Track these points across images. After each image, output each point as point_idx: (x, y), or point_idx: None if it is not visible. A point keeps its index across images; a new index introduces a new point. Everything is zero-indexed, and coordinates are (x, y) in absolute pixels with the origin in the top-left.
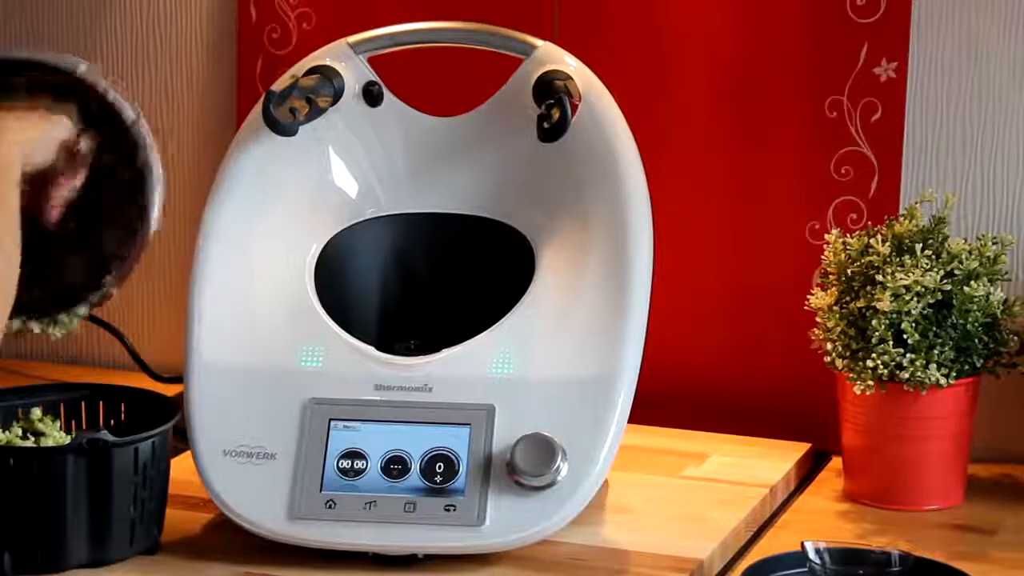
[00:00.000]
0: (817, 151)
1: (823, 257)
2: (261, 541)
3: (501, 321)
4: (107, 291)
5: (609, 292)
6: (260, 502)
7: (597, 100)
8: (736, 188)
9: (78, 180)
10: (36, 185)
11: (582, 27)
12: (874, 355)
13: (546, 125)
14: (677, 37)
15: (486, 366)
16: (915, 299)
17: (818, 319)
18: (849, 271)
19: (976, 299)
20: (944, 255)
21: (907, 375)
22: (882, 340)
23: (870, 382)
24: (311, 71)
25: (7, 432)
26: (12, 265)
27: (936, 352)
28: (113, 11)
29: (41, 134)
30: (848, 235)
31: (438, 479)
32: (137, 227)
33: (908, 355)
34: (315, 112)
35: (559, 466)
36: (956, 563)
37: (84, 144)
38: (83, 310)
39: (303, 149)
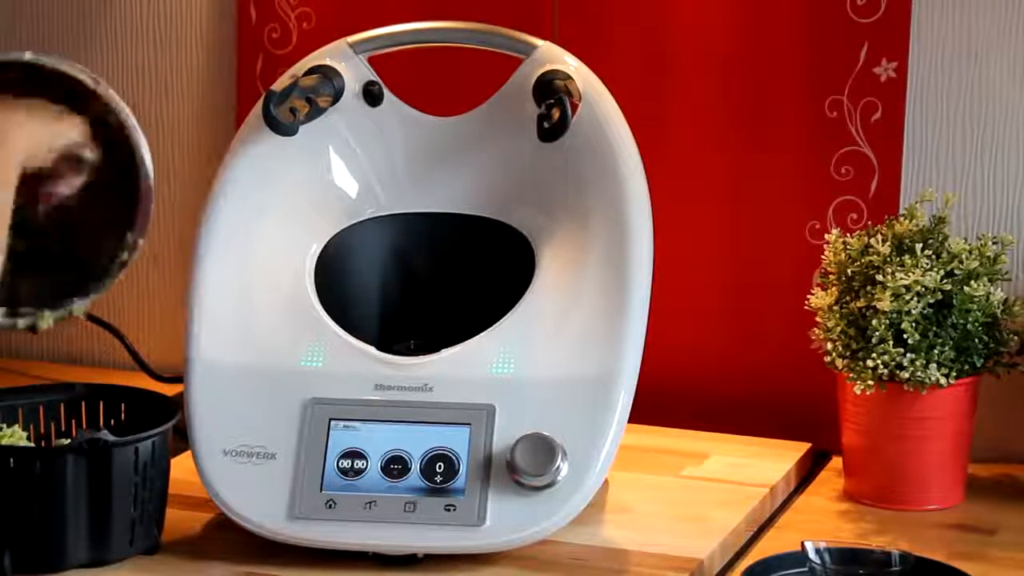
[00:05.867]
0: (817, 151)
1: (823, 257)
2: (261, 541)
3: (501, 321)
4: (134, 247)
5: (609, 292)
6: (260, 502)
7: (597, 100)
8: (736, 188)
9: (73, 184)
10: (30, 185)
11: (582, 27)
12: (874, 355)
13: (546, 125)
14: (677, 37)
15: (486, 366)
16: (915, 299)
17: (818, 319)
18: (849, 271)
19: (976, 299)
20: (944, 255)
21: (907, 375)
22: (882, 340)
23: (870, 382)
24: (311, 71)
25: None
26: None
27: (936, 352)
28: (113, 10)
29: (49, 136)
30: (848, 235)
31: (438, 479)
32: (135, 185)
33: (908, 355)
34: (315, 112)
35: (559, 466)
36: (956, 563)
37: (90, 154)
38: (110, 280)
39: (303, 149)
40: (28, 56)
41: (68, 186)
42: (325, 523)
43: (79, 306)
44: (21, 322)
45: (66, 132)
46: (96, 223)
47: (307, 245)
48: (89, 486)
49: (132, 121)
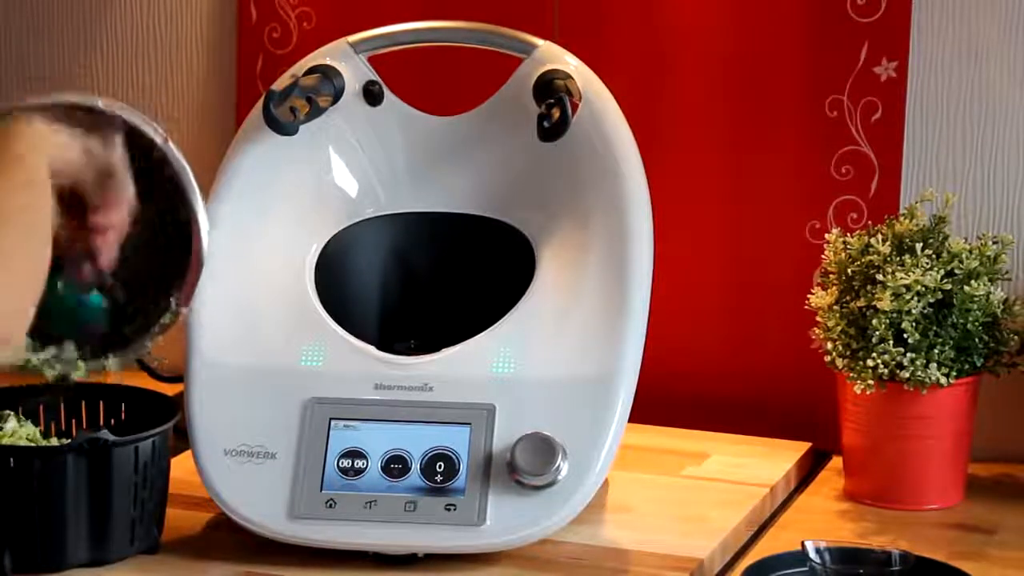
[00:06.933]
0: (817, 151)
1: (823, 257)
2: (261, 541)
3: (501, 321)
4: (176, 313)
5: (609, 292)
6: (260, 502)
7: (597, 99)
8: (736, 188)
9: (119, 215)
10: (74, 215)
11: (582, 27)
12: (874, 354)
13: (546, 125)
14: (677, 37)
15: (486, 366)
16: (915, 298)
17: (818, 319)
18: (849, 270)
19: (976, 298)
20: (944, 254)
21: (907, 375)
22: (882, 339)
23: (870, 381)
24: (311, 70)
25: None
26: (36, 273)
27: (936, 352)
28: (114, 10)
29: (75, 145)
30: (848, 234)
31: (438, 478)
32: (187, 249)
33: (908, 354)
34: (315, 111)
35: (559, 466)
36: (956, 563)
37: (121, 170)
38: (149, 342)
39: (303, 148)
40: (101, 104)
41: (117, 213)
42: (325, 523)
43: (114, 364)
44: (50, 373)
45: (98, 146)
46: (143, 280)
47: (307, 245)
48: (89, 486)
49: (194, 185)
